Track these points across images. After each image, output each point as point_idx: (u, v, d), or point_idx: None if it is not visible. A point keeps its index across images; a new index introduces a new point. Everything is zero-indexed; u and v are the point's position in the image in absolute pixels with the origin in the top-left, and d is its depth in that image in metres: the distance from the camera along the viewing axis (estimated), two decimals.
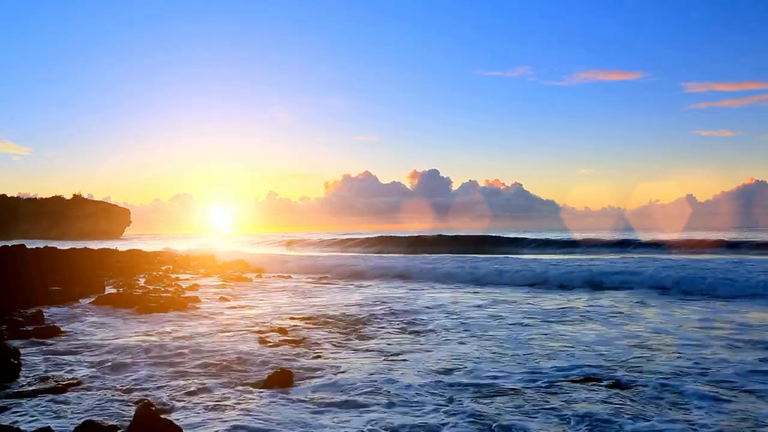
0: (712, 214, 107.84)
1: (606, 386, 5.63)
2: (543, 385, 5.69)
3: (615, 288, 14.76)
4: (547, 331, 8.84)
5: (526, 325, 9.45)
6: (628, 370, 6.18)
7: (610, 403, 5.09)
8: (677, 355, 6.98)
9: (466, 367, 6.41)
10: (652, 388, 5.50)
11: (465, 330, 8.92)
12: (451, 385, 5.70)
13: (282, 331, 8.67)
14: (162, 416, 4.22)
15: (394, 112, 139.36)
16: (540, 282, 16.37)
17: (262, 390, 5.47)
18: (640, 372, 6.13)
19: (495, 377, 6.00)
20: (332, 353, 7.23)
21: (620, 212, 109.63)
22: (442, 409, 4.93)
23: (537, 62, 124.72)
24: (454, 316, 10.35)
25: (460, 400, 5.19)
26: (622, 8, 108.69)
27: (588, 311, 10.92)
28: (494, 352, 7.24)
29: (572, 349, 7.40)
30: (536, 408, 4.96)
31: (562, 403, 5.09)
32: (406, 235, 50.14)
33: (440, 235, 48.39)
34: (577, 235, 49.17)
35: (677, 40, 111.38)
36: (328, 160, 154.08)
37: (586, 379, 5.91)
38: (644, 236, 44.67)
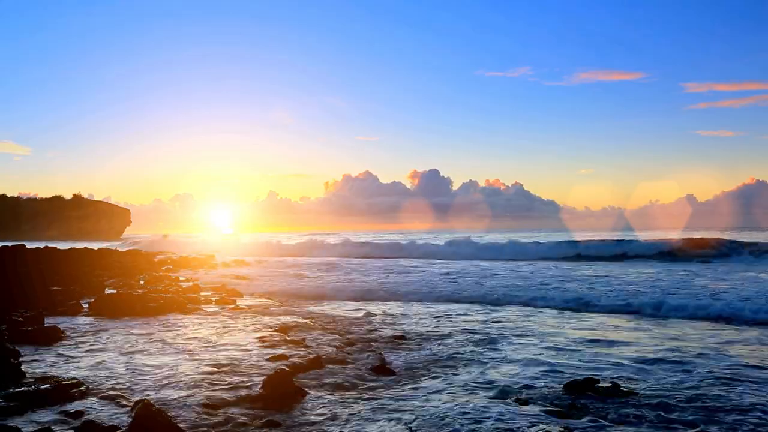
0: (712, 214, 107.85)
1: None
2: None
3: None
4: None
5: None
6: None
7: None
8: None
9: None
10: None
11: None
12: None
13: (283, 330, 8.66)
14: (162, 416, 4.21)
15: (395, 112, 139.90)
16: None
17: (262, 391, 5.46)
18: None
19: None
20: (328, 352, 7.22)
21: (620, 212, 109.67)
22: None
23: (537, 62, 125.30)
24: None
25: None
26: (622, 9, 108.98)
27: None
28: None
29: None
30: None
31: None
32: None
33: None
34: None
35: (677, 40, 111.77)
36: (329, 160, 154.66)
37: None
38: None
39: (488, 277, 18.09)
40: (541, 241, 37.74)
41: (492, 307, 12.29)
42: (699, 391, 5.62)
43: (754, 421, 4.81)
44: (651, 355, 7.25)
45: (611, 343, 8.11)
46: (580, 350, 7.62)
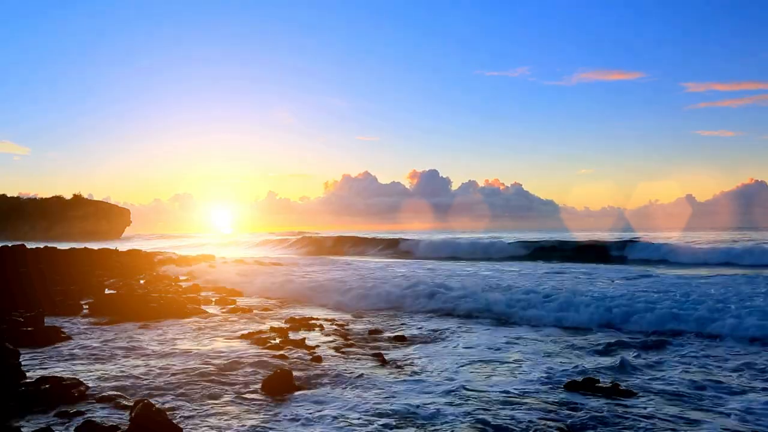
0: (712, 214, 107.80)
1: None
2: None
3: None
4: None
5: None
6: None
7: None
8: None
9: None
10: None
11: None
12: None
13: (283, 330, 8.66)
14: (162, 416, 4.22)
15: (394, 112, 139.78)
16: None
17: (262, 391, 5.47)
18: None
19: None
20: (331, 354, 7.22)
21: (620, 212, 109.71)
22: None
23: (537, 62, 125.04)
24: None
25: None
26: (622, 8, 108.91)
27: None
28: None
29: None
30: None
31: None
32: None
33: None
34: None
35: (677, 40, 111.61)
36: (328, 160, 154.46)
37: None
38: None
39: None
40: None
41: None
42: (697, 391, 5.64)
43: (754, 419, 4.82)
44: (647, 358, 7.26)
45: (606, 346, 8.12)
46: (580, 354, 7.64)
